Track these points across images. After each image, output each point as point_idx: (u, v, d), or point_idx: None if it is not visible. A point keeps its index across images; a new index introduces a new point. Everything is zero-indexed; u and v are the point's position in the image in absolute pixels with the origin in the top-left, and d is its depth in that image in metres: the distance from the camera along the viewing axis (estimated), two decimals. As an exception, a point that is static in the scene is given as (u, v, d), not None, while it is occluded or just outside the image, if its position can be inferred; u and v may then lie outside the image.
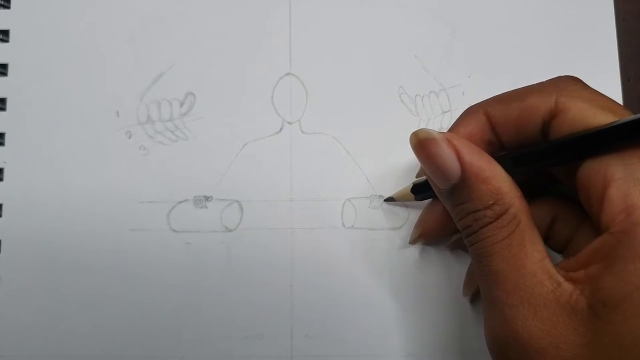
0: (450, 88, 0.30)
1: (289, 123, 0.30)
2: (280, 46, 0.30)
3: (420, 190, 0.26)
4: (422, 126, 0.29)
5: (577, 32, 0.30)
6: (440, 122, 0.30)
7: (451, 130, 0.25)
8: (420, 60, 0.30)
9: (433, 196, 0.26)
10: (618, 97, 0.29)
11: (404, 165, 0.29)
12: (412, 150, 0.23)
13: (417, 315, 0.28)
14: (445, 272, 0.28)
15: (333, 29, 0.30)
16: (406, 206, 0.29)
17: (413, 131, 0.23)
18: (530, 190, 0.26)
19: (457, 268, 0.28)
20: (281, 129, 0.30)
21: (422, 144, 0.22)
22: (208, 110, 0.30)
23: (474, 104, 0.25)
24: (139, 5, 0.30)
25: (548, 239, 0.26)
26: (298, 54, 0.30)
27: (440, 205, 0.25)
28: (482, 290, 0.22)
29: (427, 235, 0.27)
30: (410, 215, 0.29)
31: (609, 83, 0.29)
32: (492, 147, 0.24)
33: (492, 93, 0.24)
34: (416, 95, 0.30)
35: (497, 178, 0.22)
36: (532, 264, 0.21)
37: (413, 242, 0.28)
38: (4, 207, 0.29)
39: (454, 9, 0.30)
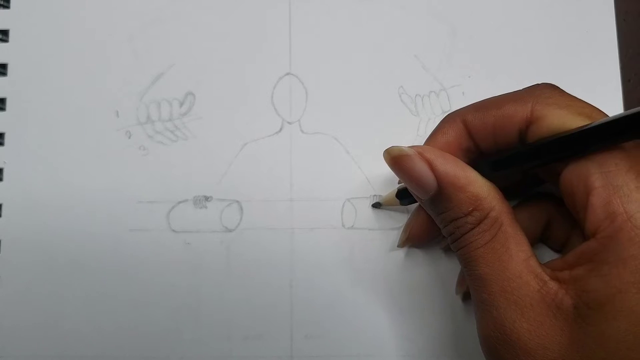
0: (450, 88, 0.30)
1: (289, 123, 0.30)
2: (280, 46, 0.30)
3: (404, 195, 0.27)
4: (422, 126, 0.30)
5: (577, 32, 0.30)
6: (440, 122, 0.30)
7: (429, 138, 0.25)
8: (420, 60, 0.30)
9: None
10: (618, 98, 0.29)
11: (404, 165, 0.29)
12: (389, 166, 0.24)
13: (416, 316, 0.28)
14: (445, 272, 0.28)
15: (333, 29, 0.30)
16: (406, 206, 0.29)
17: (385, 149, 0.23)
18: (520, 192, 0.26)
19: (456, 269, 0.28)
20: (281, 128, 0.30)
21: (395, 160, 0.23)
22: (208, 110, 0.30)
23: (451, 111, 0.25)
24: (139, 5, 0.30)
25: (546, 239, 0.26)
26: (298, 54, 0.30)
27: (425, 210, 0.26)
28: (471, 292, 0.23)
29: (414, 239, 0.27)
30: (409, 215, 0.29)
31: (609, 83, 0.29)
32: (471, 154, 0.25)
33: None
34: (416, 95, 0.30)
35: (473, 184, 0.22)
36: (517, 264, 0.21)
37: (401, 245, 0.28)
38: (4, 207, 0.29)
39: (454, 9, 0.30)
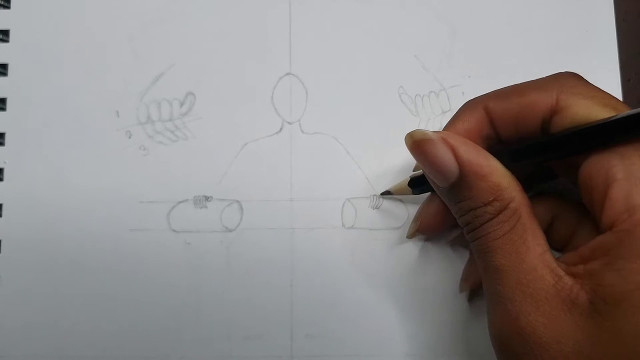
0: (450, 88, 0.30)
1: (289, 123, 0.30)
2: (280, 46, 0.30)
3: (417, 184, 0.26)
4: (422, 126, 0.30)
5: (577, 32, 0.30)
6: (440, 122, 0.30)
7: (449, 124, 0.25)
8: (420, 60, 0.30)
9: (431, 190, 0.26)
10: (618, 97, 0.29)
11: (404, 165, 0.29)
12: (408, 151, 0.23)
13: (417, 315, 0.28)
14: (445, 272, 0.28)
15: (333, 29, 0.30)
16: (404, 203, 0.29)
17: (408, 132, 0.23)
18: (529, 186, 0.26)
19: (457, 268, 0.28)
20: (281, 129, 0.30)
21: (417, 144, 0.22)
22: (208, 110, 0.30)
23: (472, 98, 0.25)
24: (139, 5, 0.30)
25: (548, 238, 0.26)
26: (298, 54, 0.30)
27: (439, 199, 0.25)
28: (484, 285, 0.22)
29: (425, 230, 0.27)
30: (409, 215, 0.29)
31: (609, 83, 0.29)
32: (490, 142, 0.24)
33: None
34: (416, 95, 0.30)
35: (495, 174, 0.21)
36: (534, 258, 0.21)
37: (411, 236, 0.28)
38: (4, 207, 0.29)
39: (453, 9, 0.30)
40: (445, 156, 0.22)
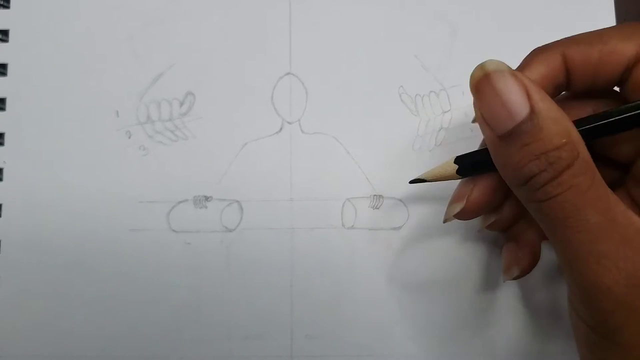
0: (450, 88, 0.30)
1: (289, 123, 0.30)
2: (280, 46, 0.30)
3: (466, 164, 0.23)
4: (422, 126, 0.30)
5: (577, 32, 0.30)
6: (440, 122, 0.30)
7: (520, 69, 0.23)
8: (420, 60, 0.30)
9: (481, 171, 0.24)
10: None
11: (404, 165, 0.29)
12: (473, 84, 0.21)
13: (417, 315, 0.28)
14: (445, 272, 0.28)
15: (333, 29, 0.30)
16: (404, 202, 0.29)
17: (479, 64, 0.20)
18: None
19: (458, 268, 0.28)
20: (281, 128, 0.30)
21: (490, 77, 0.20)
22: (208, 110, 0.30)
23: (543, 44, 0.23)
24: (139, 5, 0.30)
25: None
26: (298, 54, 0.30)
27: (487, 178, 0.23)
28: (570, 252, 0.20)
29: (470, 210, 0.24)
30: (410, 215, 0.29)
31: (609, 83, 0.29)
32: (559, 92, 0.23)
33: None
34: (416, 95, 0.30)
35: (565, 119, 0.19)
36: (623, 212, 0.19)
37: (449, 219, 0.25)
38: (4, 207, 0.29)
39: (454, 9, 0.30)
40: (518, 92, 0.19)
